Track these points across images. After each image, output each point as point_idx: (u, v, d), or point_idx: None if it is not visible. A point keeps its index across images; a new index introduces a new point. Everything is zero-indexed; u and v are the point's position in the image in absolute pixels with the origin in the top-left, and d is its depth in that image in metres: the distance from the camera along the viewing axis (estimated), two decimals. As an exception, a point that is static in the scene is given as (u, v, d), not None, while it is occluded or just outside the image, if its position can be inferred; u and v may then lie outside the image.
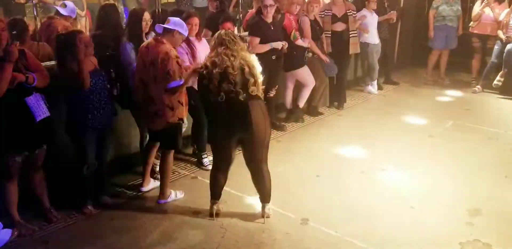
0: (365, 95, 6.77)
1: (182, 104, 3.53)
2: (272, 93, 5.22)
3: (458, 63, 7.43)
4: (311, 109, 5.87)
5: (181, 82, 3.39)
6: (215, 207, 3.49)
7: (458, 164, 4.47)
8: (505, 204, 3.78)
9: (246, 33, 4.93)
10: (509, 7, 6.64)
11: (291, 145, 4.94)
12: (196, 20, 4.03)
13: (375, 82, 6.86)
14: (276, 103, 5.55)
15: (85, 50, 3.16)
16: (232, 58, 3.08)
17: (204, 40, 4.23)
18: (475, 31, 6.99)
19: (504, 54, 6.46)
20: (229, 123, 3.15)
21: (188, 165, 4.43)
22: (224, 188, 3.50)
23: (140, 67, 3.48)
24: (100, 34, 3.74)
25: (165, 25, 3.45)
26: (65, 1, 4.52)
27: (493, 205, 3.75)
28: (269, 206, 3.46)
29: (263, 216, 3.44)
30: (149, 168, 3.87)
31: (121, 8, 6.61)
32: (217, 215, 3.49)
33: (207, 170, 4.08)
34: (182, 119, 3.58)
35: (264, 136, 3.23)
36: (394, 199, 3.81)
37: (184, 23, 3.54)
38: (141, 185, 3.89)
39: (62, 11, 4.43)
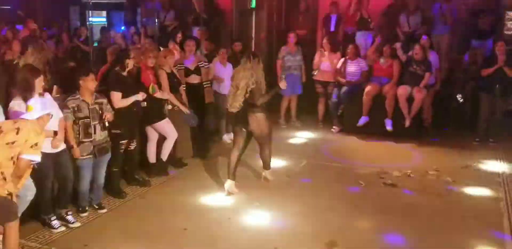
0: (227, 143, 7.00)
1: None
2: (132, 146, 5.12)
3: (306, 107, 8.24)
4: (176, 161, 5.88)
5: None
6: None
7: (313, 201, 4.85)
8: (358, 234, 4.19)
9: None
10: (342, 57, 7.70)
11: (157, 200, 4.85)
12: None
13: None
14: (139, 157, 5.45)
15: None
16: None
17: (48, 96, 4.04)
18: (317, 78, 7.91)
19: (341, 94, 7.47)
20: None
21: (39, 236, 3.98)
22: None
23: None
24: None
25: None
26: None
27: (347, 235, 4.12)
28: (268, 172, 5.24)
29: (265, 180, 5.21)
30: None
31: None
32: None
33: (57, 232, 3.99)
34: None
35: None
36: (260, 242, 3.96)
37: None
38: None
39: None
